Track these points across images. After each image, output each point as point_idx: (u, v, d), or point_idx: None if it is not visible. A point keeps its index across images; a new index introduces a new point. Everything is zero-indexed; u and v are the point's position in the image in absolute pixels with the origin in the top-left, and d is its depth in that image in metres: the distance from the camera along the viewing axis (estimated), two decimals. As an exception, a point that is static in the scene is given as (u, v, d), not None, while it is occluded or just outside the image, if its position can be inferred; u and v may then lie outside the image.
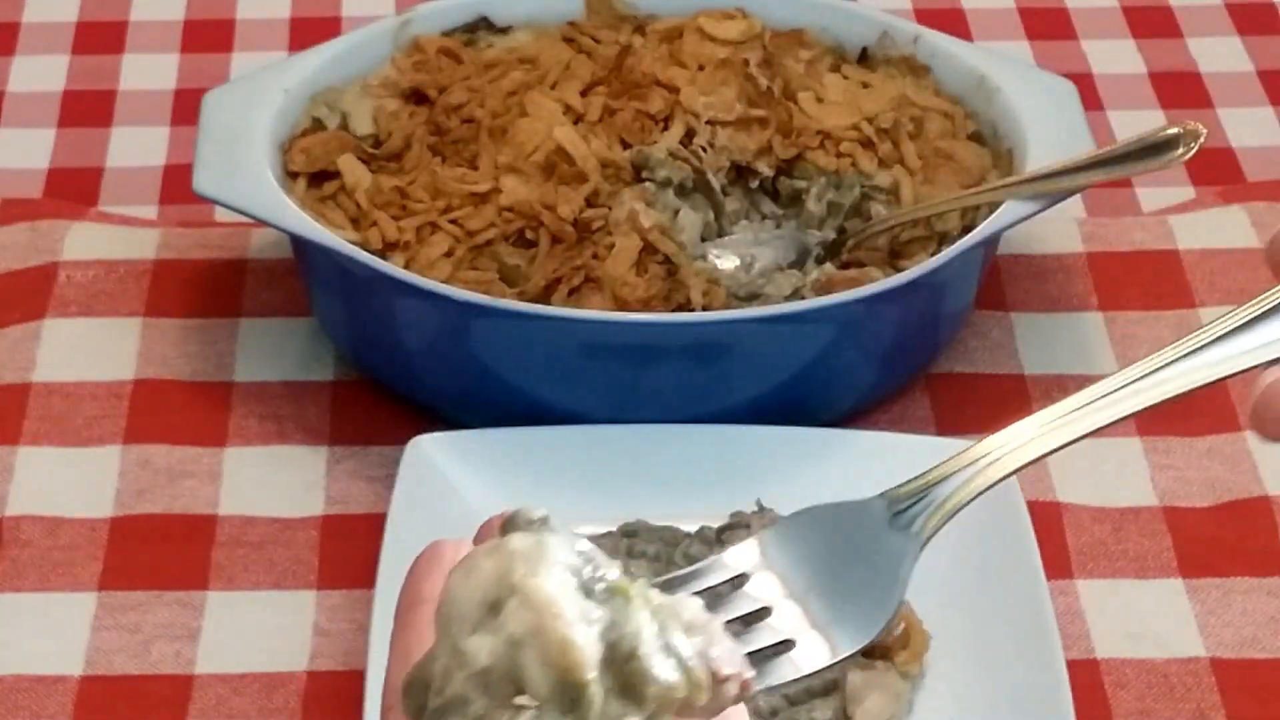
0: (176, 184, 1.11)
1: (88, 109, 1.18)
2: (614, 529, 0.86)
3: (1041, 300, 1.03)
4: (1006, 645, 0.82)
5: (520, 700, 0.47)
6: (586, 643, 0.47)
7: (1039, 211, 0.94)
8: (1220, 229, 1.07)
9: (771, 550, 0.55)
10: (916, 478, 0.56)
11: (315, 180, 0.99)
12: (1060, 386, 0.97)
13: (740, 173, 1.00)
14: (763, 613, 0.54)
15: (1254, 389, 0.53)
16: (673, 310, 0.92)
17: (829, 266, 0.96)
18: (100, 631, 0.86)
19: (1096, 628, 0.86)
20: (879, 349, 0.95)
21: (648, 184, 0.97)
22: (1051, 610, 0.81)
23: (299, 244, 0.95)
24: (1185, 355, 0.55)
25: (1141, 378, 0.55)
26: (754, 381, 0.92)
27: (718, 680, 0.49)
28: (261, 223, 0.95)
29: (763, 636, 0.54)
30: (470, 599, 0.48)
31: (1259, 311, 0.55)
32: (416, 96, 1.03)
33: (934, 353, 0.98)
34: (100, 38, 1.24)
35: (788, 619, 0.54)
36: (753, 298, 0.94)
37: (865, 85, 1.04)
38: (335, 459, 0.94)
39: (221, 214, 1.05)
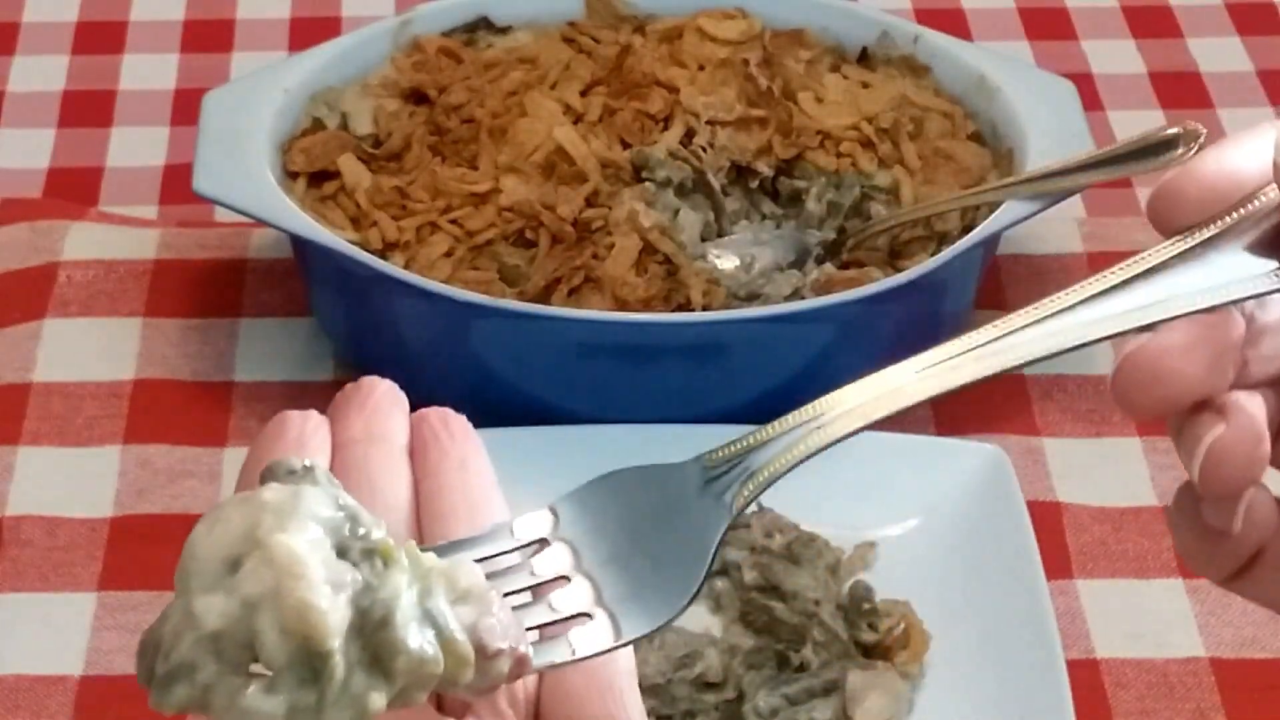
0: (176, 184, 1.11)
1: (88, 109, 1.18)
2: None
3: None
4: (1006, 645, 0.82)
5: (255, 669, 0.43)
6: (332, 607, 0.43)
7: (1039, 211, 0.94)
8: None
9: (567, 517, 0.50)
10: (736, 440, 0.51)
11: (315, 180, 0.99)
12: (1060, 387, 0.97)
13: (740, 173, 1.00)
14: (553, 584, 0.49)
15: (1117, 356, 0.49)
16: (673, 310, 0.92)
17: (829, 266, 0.96)
18: (100, 631, 0.86)
19: (1096, 628, 0.86)
20: (879, 349, 0.94)
21: (648, 184, 0.97)
22: (1051, 610, 0.81)
23: (299, 244, 0.95)
24: (1049, 316, 0.50)
25: (995, 340, 0.50)
26: (754, 381, 0.92)
27: (486, 655, 0.45)
28: (261, 223, 0.95)
29: (547, 611, 0.49)
30: (211, 554, 0.43)
31: (1131, 274, 0.49)
32: (416, 96, 1.03)
33: (934, 353, 0.98)
34: (100, 38, 1.24)
35: (578, 595, 0.49)
36: (753, 298, 0.94)
37: (865, 85, 1.04)
38: (335, 459, 0.94)
39: (221, 214, 1.05)
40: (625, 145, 0.99)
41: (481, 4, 1.07)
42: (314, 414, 0.52)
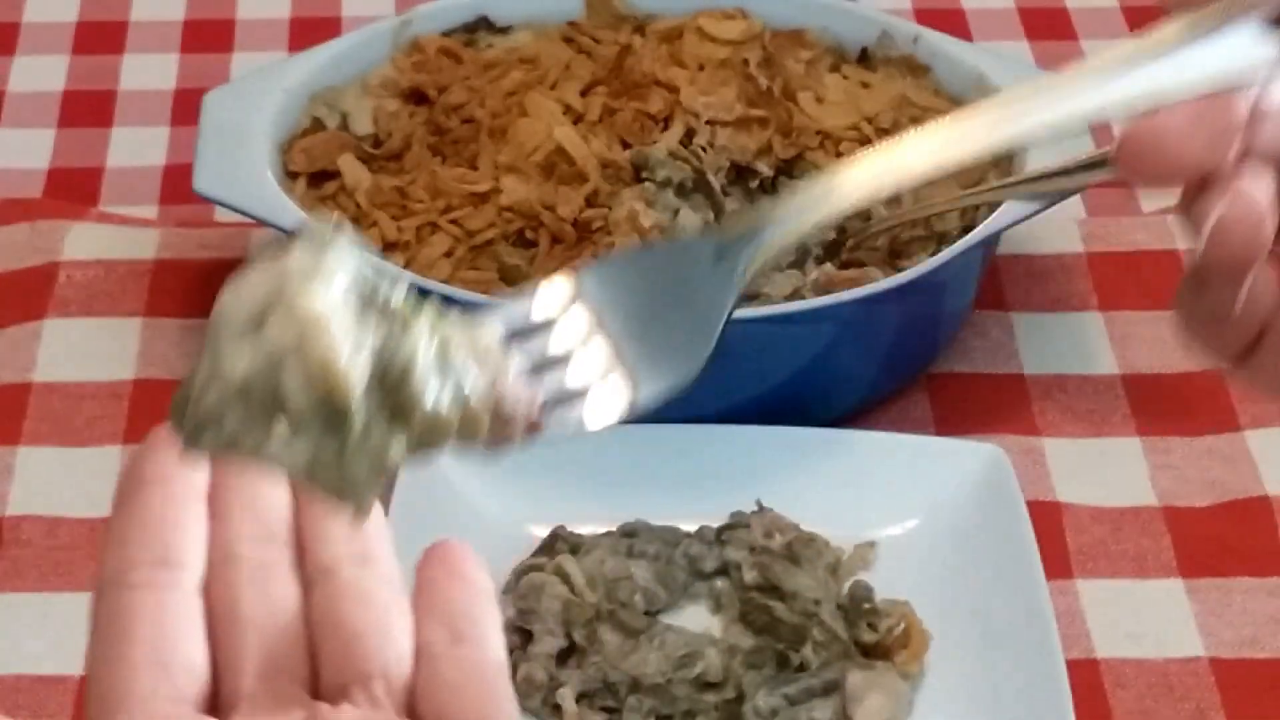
0: (176, 184, 1.11)
1: (88, 109, 1.18)
2: (614, 529, 0.86)
3: (1041, 300, 1.03)
4: (1006, 645, 0.82)
5: (279, 420, 0.45)
6: (352, 363, 0.44)
7: (1039, 211, 0.93)
8: (1220, 229, 1.07)
9: (588, 286, 0.51)
10: (748, 213, 0.53)
11: (315, 180, 0.99)
12: (1060, 386, 0.97)
13: (740, 173, 1.00)
14: (572, 348, 0.50)
15: (1126, 124, 0.49)
16: (673, 310, 0.92)
17: (829, 266, 0.96)
18: (100, 631, 0.86)
19: (1096, 628, 0.86)
20: (879, 349, 0.95)
21: (648, 184, 0.97)
22: (1051, 610, 0.81)
23: (299, 244, 0.95)
24: (1055, 93, 0.50)
25: (1003, 111, 0.51)
26: (754, 381, 0.92)
27: (501, 416, 0.46)
28: (261, 223, 0.95)
29: (564, 375, 0.49)
30: (238, 312, 0.46)
31: (1137, 53, 0.50)
32: (416, 96, 1.03)
33: (934, 353, 0.98)
34: (100, 38, 1.24)
35: (595, 356, 0.50)
36: (753, 298, 0.94)
37: (865, 85, 1.04)
38: (335, 459, 0.94)
39: (221, 214, 1.05)
40: (625, 145, 0.99)
41: (481, 4, 1.07)
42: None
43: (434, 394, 0.45)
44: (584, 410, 0.49)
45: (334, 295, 0.45)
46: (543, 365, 0.49)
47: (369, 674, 0.48)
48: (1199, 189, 0.50)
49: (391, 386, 0.45)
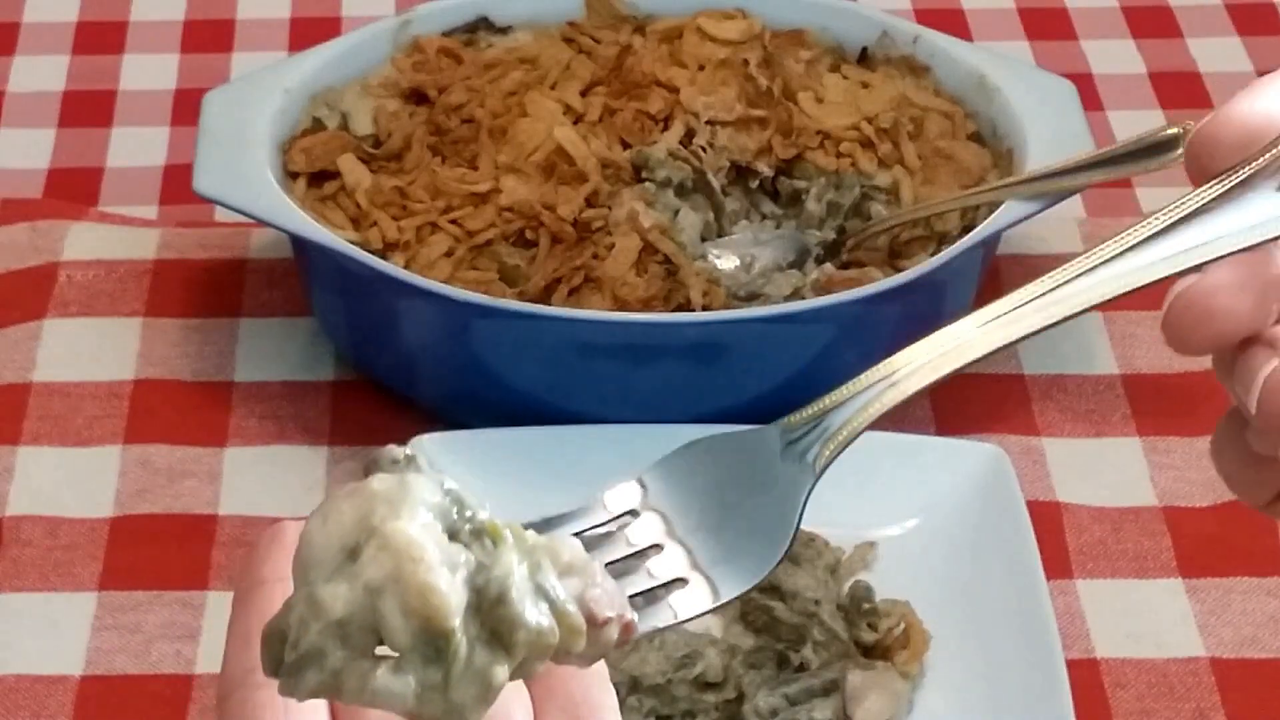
0: (176, 184, 1.11)
1: (88, 109, 1.18)
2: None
3: (1041, 300, 1.02)
4: (1006, 645, 0.82)
5: (381, 651, 0.44)
6: (450, 588, 0.44)
7: (1039, 211, 0.94)
8: (1220, 229, 1.07)
9: (656, 488, 0.52)
10: (813, 403, 0.54)
11: (315, 180, 0.99)
12: (1060, 387, 0.97)
13: (740, 173, 1.00)
14: (648, 552, 0.51)
15: (1169, 296, 0.50)
16: (673, 310, 0.92)
17: (829, 266, 0.96)
18: (100, 631, 0.86)
19: (1096, 628, 0.86)
20: (879, 349, 0.94)
21: (648, 184, 0.97)
22: (1051, 610, 0.81)
23: (299, 244, 0.95)
24: (1101, 264, 0.52)
25: (1052, 290, 0.53)
26: (754, 381, 0.92)
27: (596, 624, 0.46)
28: (261, 223, 0.95)
29: (646, 579, 0.50)
30: (328, 544, 0.45)
31: (1175, 219, 0.51)
32: (416, 96, 1.03)
33: (934, 353, 0.98)
34: (100, 38, 1.24)
35: (673, 560, 0.51)
36: (753, 298, 0.94)
37: (865, 85, 1.04)
38: (335, 459, 0.94)
39: (221, 214, 1.05)
40: (625, 145, 0.99)
41: (481, 4, 1.07)
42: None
43: (534, 612, 0.45)
44: (673, 606, 0.50)
45: (422, 520, 0.45)
46: (624, 571, 0.50)
47: None
48: (1241, 346, 0.50)
49: (489, 608, 0.45)
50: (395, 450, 0.47)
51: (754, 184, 1.00)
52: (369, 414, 0.96)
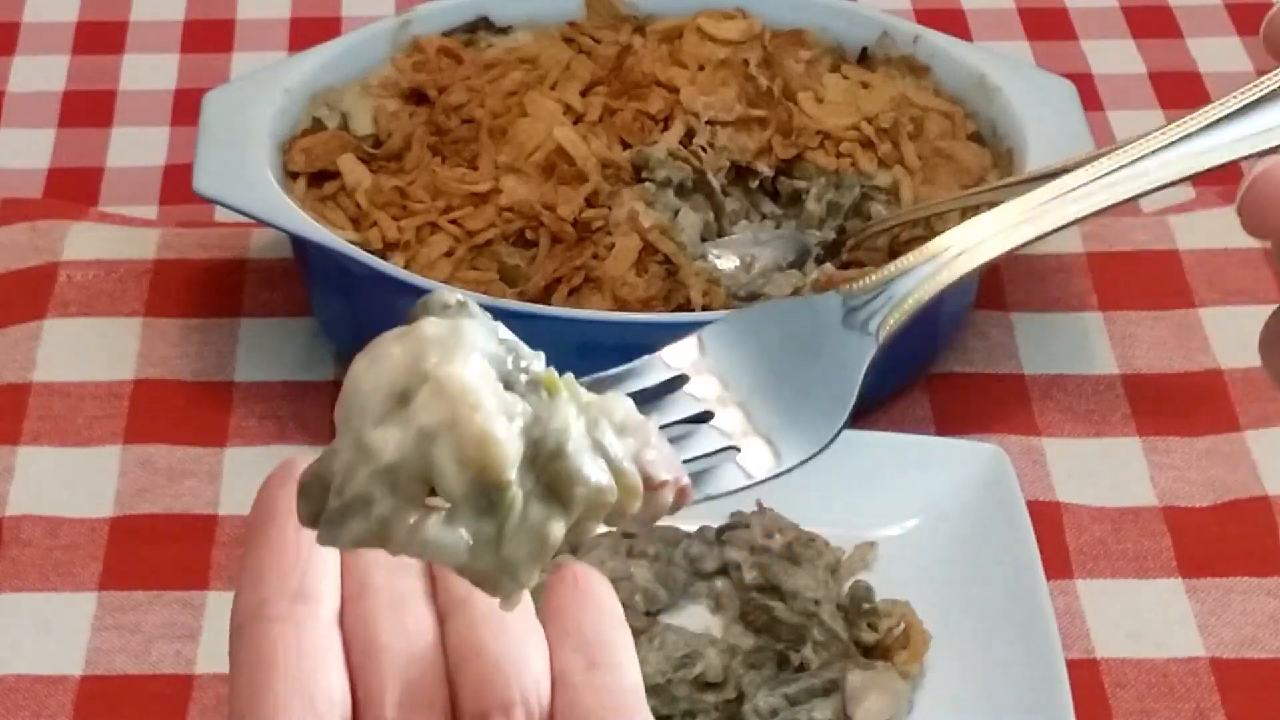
0: (176, 184, 1.11)
1: (88, 109, 1.18)
2: (614, 529, 0.86)
3: (1041, 300, 1.03)
4: (1006, 645, 0.82)
5: (432, 501, 0.42)
6: (508, 438, 0.42)
7: (1039, 211, 0.93)
8: (1220, 229, 1.07)
9: (713, 349, 0.51)
10: (875, 272, 0.52)
11: (315, 180, 0.99)
12: (1060, 387, 0.97)
13: (740, 173, 1.00)
14: (703, 416, 0.49)
15: (1245, 179, 0.48)
16: (673, 310, 0.92)
17: (829, 266, 0.96)
18: (100, 631, 0.86)
19: (1096, 628, 0.86)
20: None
21: (648, 184, 0.97)
22: (1051, 610, 0.81)
23: (299, 244, 0.95)
24: (1169, 145, 0.50)
25: (1117, 169, 0.51)
26: (754, 381, 0.92)
27: (651, 486, 0.44)
28: (261, 223, 0.95)
29: (702, 442, 0.49)
30: (376, 388, 0.43)
31: (1251, 99, 0.50)
32: (416, 96, 1.03)
33: (934, 353, 0.98)
34: (100, 38, 1.24)
35: (729, 424, 0.49)
36: (753, 298, 0.94)
37: (865, 85, 1.04)
38: (335, 459, 0.94)
39: (221, 214, 1.05)
40: (625, 145, 0.99)
41: (481, 4, 1.07)
42: None
43: (592, 467, 0.43)
44: (728, 472, 0.48)
45: (478, 366, 0.43)
46: (679, 435, 0.48)
47: (509, 702, 0.47)
48: None
49: (546, 461, 0.43)
50: (447, 295, 0.45)
51: (754, 184, 1.00)
52: (369, 414, 0.96)
